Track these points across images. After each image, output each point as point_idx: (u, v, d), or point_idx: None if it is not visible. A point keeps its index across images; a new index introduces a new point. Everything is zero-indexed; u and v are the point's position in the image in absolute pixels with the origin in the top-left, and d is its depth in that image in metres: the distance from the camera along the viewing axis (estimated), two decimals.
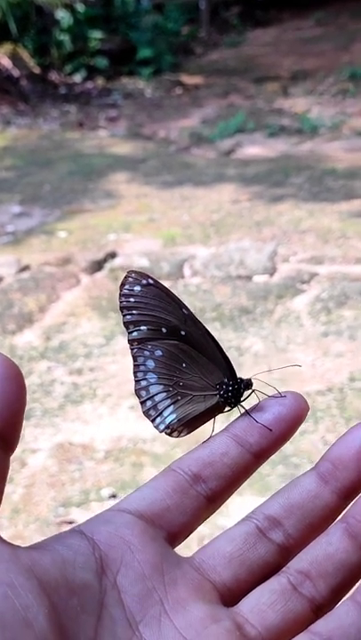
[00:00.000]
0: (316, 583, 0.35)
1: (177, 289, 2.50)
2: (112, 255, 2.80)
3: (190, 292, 2.48)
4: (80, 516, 1.61)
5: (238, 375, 0.42)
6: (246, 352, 2.14)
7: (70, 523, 1.59)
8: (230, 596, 0.35)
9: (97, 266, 2.72)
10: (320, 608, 0.35)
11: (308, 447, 1.72)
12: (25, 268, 2.72)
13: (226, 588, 0.35)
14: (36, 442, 1.84)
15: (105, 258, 2.78)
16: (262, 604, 0.34)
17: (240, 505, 1.54)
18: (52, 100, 5.45)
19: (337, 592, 0.35)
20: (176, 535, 0.36)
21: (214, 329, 2.24)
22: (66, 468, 1.76)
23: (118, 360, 2.15)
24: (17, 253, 2.87)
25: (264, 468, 1.65)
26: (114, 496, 1.66)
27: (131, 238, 2.97)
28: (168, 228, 3.05)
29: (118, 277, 2.55)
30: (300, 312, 2.34)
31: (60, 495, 1.67)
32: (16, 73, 5.46)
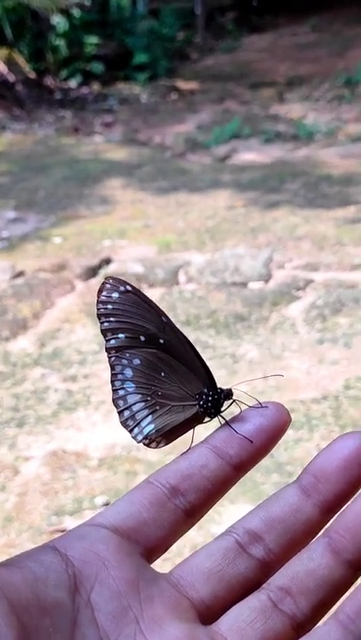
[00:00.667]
0: (297, 600, 0.34)
1: (172, 295, 2.49)
2: (107, 261, 2.80)
3: (185, 298, 2.48)
4: (73, 525, 1.60)
5: (225, 384, 0.41)
6: (241, 359, 2.14)
7: (63, 531, 1.58)
8: (209, 614, 0.34)
9: (92, 272, 2.71)
10: (301, 626, 0.34)
11: (302, 455, 1.71)
12: (19, 274, 2.72)
13: (204, 605, 0.34)
14: (30, 449, 1.84)
15: (100, 264, 2.77)
16: (242, 622, 0.33)
17: (234, 513, 1.53)
18: (48, 105, 5.45)
19: (319, 609, 0.34)
20: (153, 550, 0.35)
21: (209, 336, 2.23)
22: (59, 475, 1.75)
23: None
24: (11, 259, 2.87)
25: (258, 477, 1.65)
26: (107, 504, 1.65)
27: (126, 244, 2.97)
28: (163, 234, 3.04)
29: None
30: (295, 319, 2.34)
31: (53, 503, 1.67)
32: (11, 78, 5.46)
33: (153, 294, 2.49)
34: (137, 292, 0.40)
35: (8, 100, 5.33)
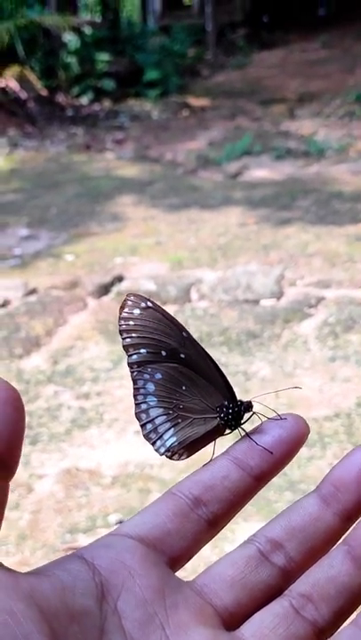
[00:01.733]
0: (318, 606, 0.35)
1: (184, 313, 2.50)
2: (119, 279, 2.80)
3: (197, 315, 2.48)
4: (87, 543, 1.60)
5: (239, 398, 0.42)
6: (253, 377, 2.14)
7: (77, 549, 1.58)
8: (232, 620, 0.35)
9: (104, 289, 2.72)
10: (323, 632, 0.34)
11: (315, 473, 1.71)
12: (32, 292, 2.73)
13: (228, 612, 0.35)
14: (43, 467, 1.84)
15: (112, 281, 2.78)
16: (264, 628, 0.34)
17: (248, 531, 1.54)
18: (60, 122, 5.47)
19: (339, 615, 0.35)
20: (177, 559, 0.36)
21: (221, 353, 2.24)
22: (72, 493, 1.76)
23: (125, 384, 2.15)
24: (24, 276, 2.88)
25: (271, 494, 1.65)
26: (121, 522, 1.65)
27: (137, 261, 2.98)
28: (175, 251, 3.05)
29: None
30: (307, 336, 2.34)
31: (66, 521, 1.67)
32: (23, 95, 5.48)
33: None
34: (158, 308, 0.41)
35: (20, 117, 5.35)
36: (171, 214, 3.52)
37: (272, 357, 2.24)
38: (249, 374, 2.15)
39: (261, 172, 4.15)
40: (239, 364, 2.20)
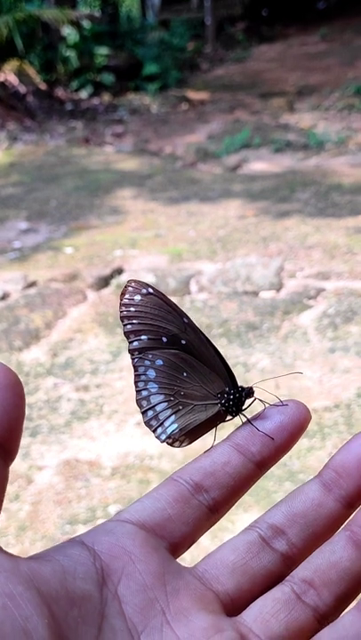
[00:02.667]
0: (320, 592, 0.35)
1: (184, 305, 2.49)
2: (118, 271, 2.80)
3: (197, 307, 2.48)
4: None
5: (240, 384, 0.42)
6: (253, 368, 2.14)
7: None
8: (233, 606, 0.35)
9: (103, 282, 2.72)
10: (324, 617, 0.34)
11: (315, 464, 1.71)
12: (31, 285, 2.72)
13: (229, 597, 0.35)
14: (43, 459, 1.84)
15: (111, 274, 2.78)
16: (266, 614, 0.34)
17: (247, 521, 1.53)
18: (59, 116, 5.46)
19: (341, 601, 0.35)
20: (178, 545, 0.36)
21: (221, 345, 2.24)
22: (72, 484, 1.75)
23: (125, 376, 2.15)
24: (23, 269, 2.87)
25: (271, 485, 1.65)
26: None
27: (137, 254, 2.98)
28: (174, 243, 3.05)
29: None
30: (306, 328, 2.34)
31: (66, 512, 1.67)
32: (22, 89, 5.48)
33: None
34: (159, 295, 0.41)
35: (19, 111, 5.35)
36: (170, 207, 3.51)
37: (272, 349, 2.24)
38: (249, 365, 2.15)
39: (261, 164, 4.14)
40: (239, 356, 2.20)
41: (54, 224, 3.40)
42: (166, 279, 2.67)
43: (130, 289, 0.41)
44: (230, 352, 2.21)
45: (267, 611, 0.34)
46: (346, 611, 0.35)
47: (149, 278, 2.68)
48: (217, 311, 2.46)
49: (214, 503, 0.37)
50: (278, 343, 2.27)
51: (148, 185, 3.88)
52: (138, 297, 0.41)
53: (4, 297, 2.64)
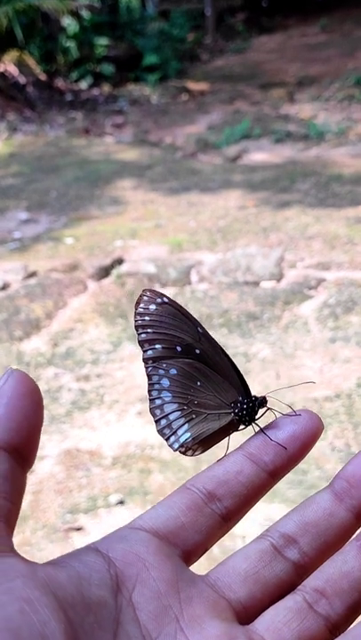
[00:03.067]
0: (331, 601, 0.35)
1: (184, 295, 2.50)
2: (119, 261, 2.80)
3: (197, 298, 2.48)
4: (88, 523, 1.61)
5: (251, 391, 0.42)
6: (254, 358, 2.14)
7: (78, 529, 1.59)
8: (246, 614, 0.35)
9: (104, 272, 2.72)
10: (336, 626, 0.35)
11: (316, 453, 1.71)
12: (32, 275, 2.72)
13: (241, 605, 0.35)
14: (44, 448, 1.84)
15: (112, 264, 2.77)
16: (278, 623, 0.34)
17: (248, 516, 1.54)
18: (59, 106, 5.46)
19: (353, 610, 0.35)
20: (191, 553, 0.36)
21: (221, 335, 2.24)
22: (73, 474, 1.76)
23: (125, 366, 2.15)
24: (24, 260, 2.87)
25: None
26: (122, 502, 1.65)
27: (137, 244, 2.97)
28: (175, 234, 3.05)
29: (125, 283, 2.55)
30: (307, 318, 2.34)
31: (67, 502, 1.67)
32: (22, 80, 5.47)
33: (165, 294, 2.50)
34: (173, 304, 0.41)
35: (19, 101, 5.34)
36: (170, 198, 3.51)
37: (272, 339, 2.24)
38: (249, 355, 2.16)
39: (261, 155, 4.14)
40: (239, 346, 2.20)
41: (54, 214, 3.39)
42: (167, 269, 2.67)
43: (145, 298, 0.41)
44: (231, 342, 2.21)
45: (279, 619, 0.34)
46: (358, 620, 0.35)
47: (150, 269, 2.68)
48: (217, 301, 2.46)
49: (227, 512, 0.37)
50: (279, 333, 2.27)
51: (149, 175, 3.88)
52: (153, 306, 0.41)
53: (5, 287, 2.64)
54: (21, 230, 3.24)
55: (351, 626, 0.35)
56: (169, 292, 2.52)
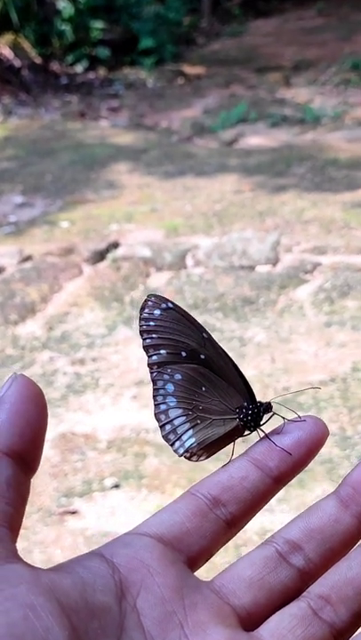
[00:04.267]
0: (336, 608, 0.35)
1: (180, 279, 2.50)
2: (114, 245, 2.80)
3: (193, 282, 2.48)
4: (83, 506, 1.61)
5: (258, 399, 0.42)
6: (249, 342, 2.14)
7: (73, 513, 1.59)
8: (250, 621, 0.35)
9: (99, 256, 2.71)
10: (341, 633, 0.35)
11: None
12: (27, 259, 2.72)
13: (246, 612, 0.35)
14: None
15: (107, 248, 2.77)
16: (283, 629, 0.34)
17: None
18: (54, 90, 5.44)
19: (358, 617, 0.35)
20: (195, 559, 0.36)
21: (217, 319, 2.24)
22: (68, 458, 1.76)
23: (120, 350, 2.15)
24: (19, 244, 2.87)
25: None
26: (117, 486, 1.66)
27: (133, 228, 2.97)
28: (170, 218, 3.04)
29: (121, 267, 2.55)
30: (303, 302, 2.34)
31: (62, 485, 1.67)
32: (17, 63, 5.45)
33: (161, 278, 2.50)
34: (178, 309, 0.41)
35: (14, 85, 5.32)
36: (166, 181, 3.51)
37: (268, 323, 2.24)
38: (245, 340, 2.16)
39: (257, 139, 4.13)
40: (235, 330, 2.20)
41: (50, 198, 3.39)
42: (162, 253, 2.67)
43: (149, 303, 0.41)
44: (226, 326, 2.21)
45: (283, 626, 0.34)
46: None
47: (145, 252, 2.67)
48: (213, 285, 2.45)
49: (232, 517, 0.37)
50: (274, 317, 2.27)
51: (144, 159, 3.87)
52: (157, 311, 0.41)
53: (0, 271, 2.64)
54: (16, 214, 3.23)
55: (356, 633, 0.35)
56: (164, 276, 2.52)
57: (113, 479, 1.68)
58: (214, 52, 6.47)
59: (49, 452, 1.78)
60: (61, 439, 1.82)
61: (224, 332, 2.15)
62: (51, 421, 1.86)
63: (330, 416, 1.80)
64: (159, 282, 2.50)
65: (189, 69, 5.89)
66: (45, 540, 1.53)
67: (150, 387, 0.42)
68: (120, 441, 1.80)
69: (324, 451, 1.65)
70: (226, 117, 4.44)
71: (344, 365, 2.02)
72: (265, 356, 2.06)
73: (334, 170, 3.47)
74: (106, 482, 1.67)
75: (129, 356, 2.12)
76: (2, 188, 3.56)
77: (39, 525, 1.56)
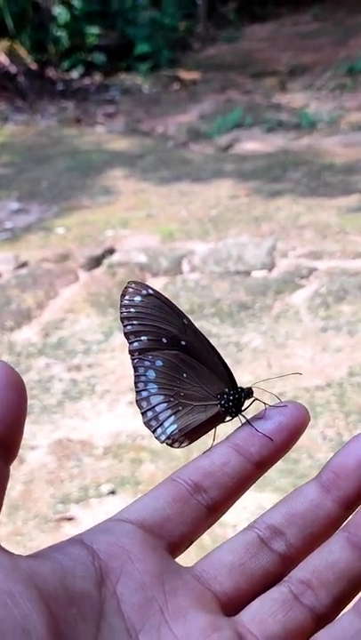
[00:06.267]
0: (317, 593, 0.35)
1: (175, 285, 2.49)
2: (110, 251, 2.80)
3: (189, 287, 2.48)
4: (79, 513, 1.61)
5: (238, 382, 0.42)
6: (245, 347, 2.14)
7: (69, 519, 1.59)
8: (231, 606, 0.35)
9: (95, 262, 2.71)
10: (321, 618, 0.35)
11: (306, 442, 1.71)
12: (23, 265, 2.72)
13: (227, 597, 0.35)
14: (35, 438, 1.84)
15: (103, 254, 2.77)
16: (263, 614, 0.34)
17: (240, 500, 1.54)
18: (50, 96, 5.44)
19: (339, 602, 0.35)
20: (177, 545, 0.36)
21: (213, 325, 2.24)
22: (65, 464, 1.76)
23: (117, 356, 2.15)
24: (15, 250, 2.87)
25: None
26: (113, 492, 1.66)
27: (129, 234, 2.97)
28: (166, 223, 3.04)
29: (117, 273, 2.55)
30: (298, 307, 2.34)
31: (58, 492, 1.67)
32: (13, 69, 5.45)
33: (157, 283, 2.50)
34: (159, 296, 0.41)
35: (10, 91, 5.33)
36: (162, 187, 3.51)
37: (264, 328, 2.24)
38: (241, 345, 2.16)
39: (252, 144, 4.13)
40: (231, 335, 2.20)
41: (46, 204, 3.39)
42: (158, 259, 2.67)
43: (130, 290, 0.41)
44: (222, 332, 2.21)
45: (264, 611, 0.34)
46: (343, 612, 0.35)
47: (141, 258, 2.67)
48: (209, 291, 2.45)
49: (213, 503, 0.37)
50: (270, 322, 2.27)
51: (140, 165, 3.87)
52: (138, 298, 0.41)
53: None
54: (12, 220, 3.23)
55: (337, 617, 0.35)
56: (160, 281, 2.52)
57: (109, 485, 1.68)
58: (210, 57, 6.48)
59: (45, 458, 1.78)
60: (58, 445, 1.82)
61: (220, 337, 2.15)
62: (47, 428, 1.86)
63: (326, 421, 1.80)
64: (155, 287, 2.49)
65: (185, 75, 5.89)
66: (42, 547, 1.52)
67: None
68: (116, 447, 1.79)
69: (320, 456, 1.65)
70: (222, 123, 4.45)
71: (340, 370, 2.02)
72: (261, 362, 2.05)
73: (330, 175, 3.48)
74: (102, 488, 1.67)
75: (125, 362, 2.12)
76: None
77: (35, 532, 1.56)
